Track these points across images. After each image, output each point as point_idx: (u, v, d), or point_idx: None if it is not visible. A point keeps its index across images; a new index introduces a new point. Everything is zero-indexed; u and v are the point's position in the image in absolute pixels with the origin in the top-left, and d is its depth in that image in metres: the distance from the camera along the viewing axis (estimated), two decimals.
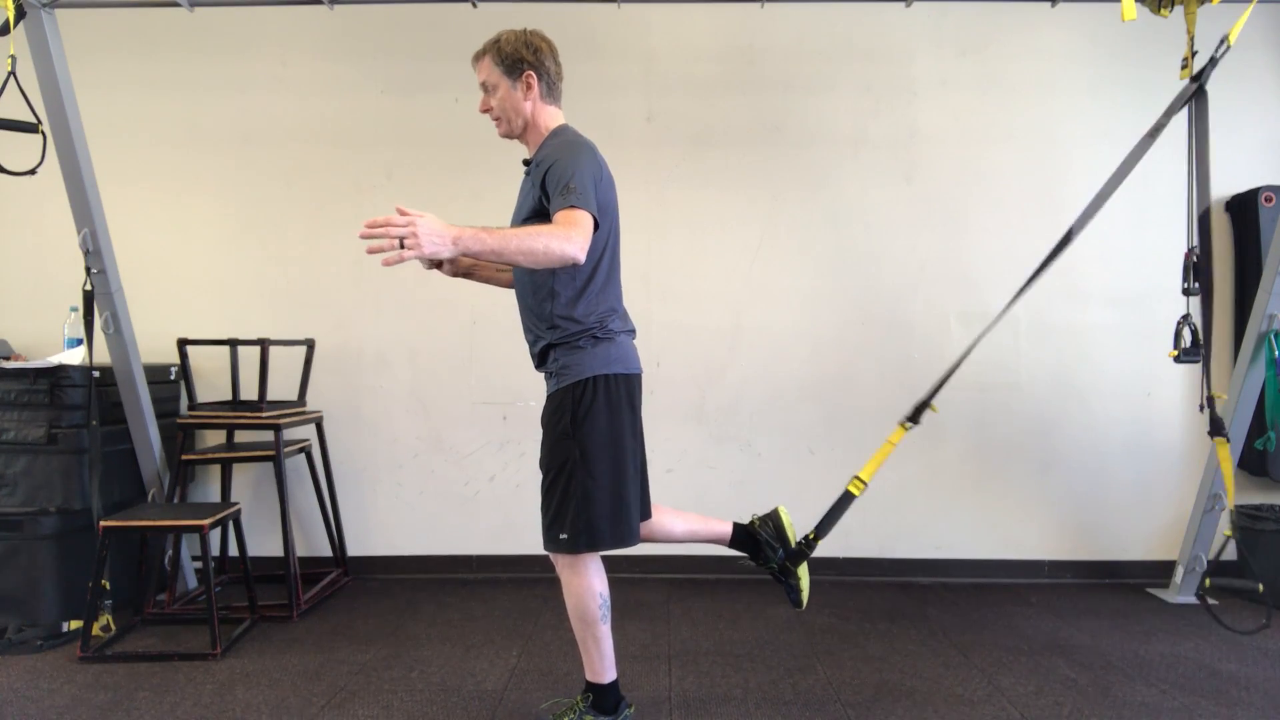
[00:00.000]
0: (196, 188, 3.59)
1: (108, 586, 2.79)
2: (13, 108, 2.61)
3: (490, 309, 3.53)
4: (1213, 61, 2.50)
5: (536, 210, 1.95)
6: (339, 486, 3.55)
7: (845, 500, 2.46)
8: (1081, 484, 3.57)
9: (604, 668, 2.06)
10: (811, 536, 2.39)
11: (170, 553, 3.14)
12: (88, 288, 2.90)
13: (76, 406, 2.91)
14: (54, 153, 2.78)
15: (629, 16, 3.54)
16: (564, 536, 1.96)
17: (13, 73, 2.62)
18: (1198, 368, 2.65)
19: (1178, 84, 2.64)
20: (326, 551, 3.55)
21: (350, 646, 2.77)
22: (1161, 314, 3.37)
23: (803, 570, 2.34)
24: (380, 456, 3.62)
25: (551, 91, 2.08)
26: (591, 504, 1.94)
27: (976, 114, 3.57)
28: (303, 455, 3.44)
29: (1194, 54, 2.57)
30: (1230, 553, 3.43)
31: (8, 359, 3.15)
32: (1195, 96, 2.56)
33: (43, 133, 2.71)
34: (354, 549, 3.61)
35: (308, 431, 3.51)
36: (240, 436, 3.46)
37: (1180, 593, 3.23)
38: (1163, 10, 2.61)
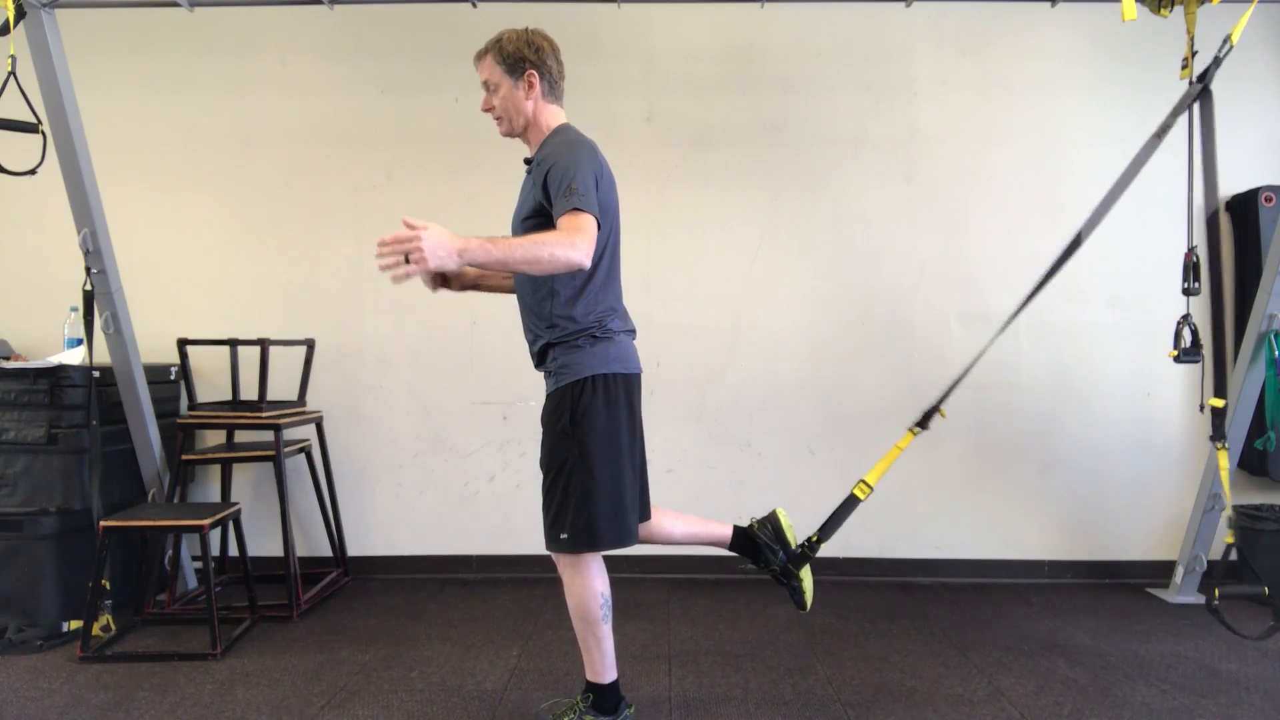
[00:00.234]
0: (196, 188, 3.59)
1: (108, 586, 2.79)
2: (13, 108, 2.60)
3: (490, 309, 3.53)
4: (1216, 62, 2.49)
5: (537, 209, 1.95)
6: (339, 486, 3.55)
7: (850, 504, 2.46)
8: (1081, 484, 3.57)
9: (604, 668, 2.06)
10: (814, 539, 2.38)
11: (170, 553, 3.14)
12: (88, 288, 2.90)
13: (76, 406, 2.91)
14: (54, 153, 2.78)
15: (629, 16, 3.54)
16: (564, 536, 1.96)
17: (13, 73, 2.62)
18: (1198, 368, 2.65)
19: (1178, 84, 2.64)
20: (326, 551, 3.55)
21: (350, 646, 2.77)
22: (1161, 314, 3.37)
23: (805, 573, 2.34)
24: (380, 456, 3.62)
25: (553, 90, 2.08)
26: (590, 504, 1.94)
27: (976, 114, 3.57)
28: (303, 455, 3.44)
29: (1194, 54, 2.57)
30: (1233, 554, 3.44)
31: (8, 359, 3.15)
32: (1200, 97, 2.55)
33: (43, 133, 2.71)
34: (354, 549, 3.61)
35: (308, 431, 3.51)
36: (240, 436, 3.46)
37: (1180, 593, 3.23)
38: (1163, 10, 2.61)
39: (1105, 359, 3.55)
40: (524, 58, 2.02)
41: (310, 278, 3.60)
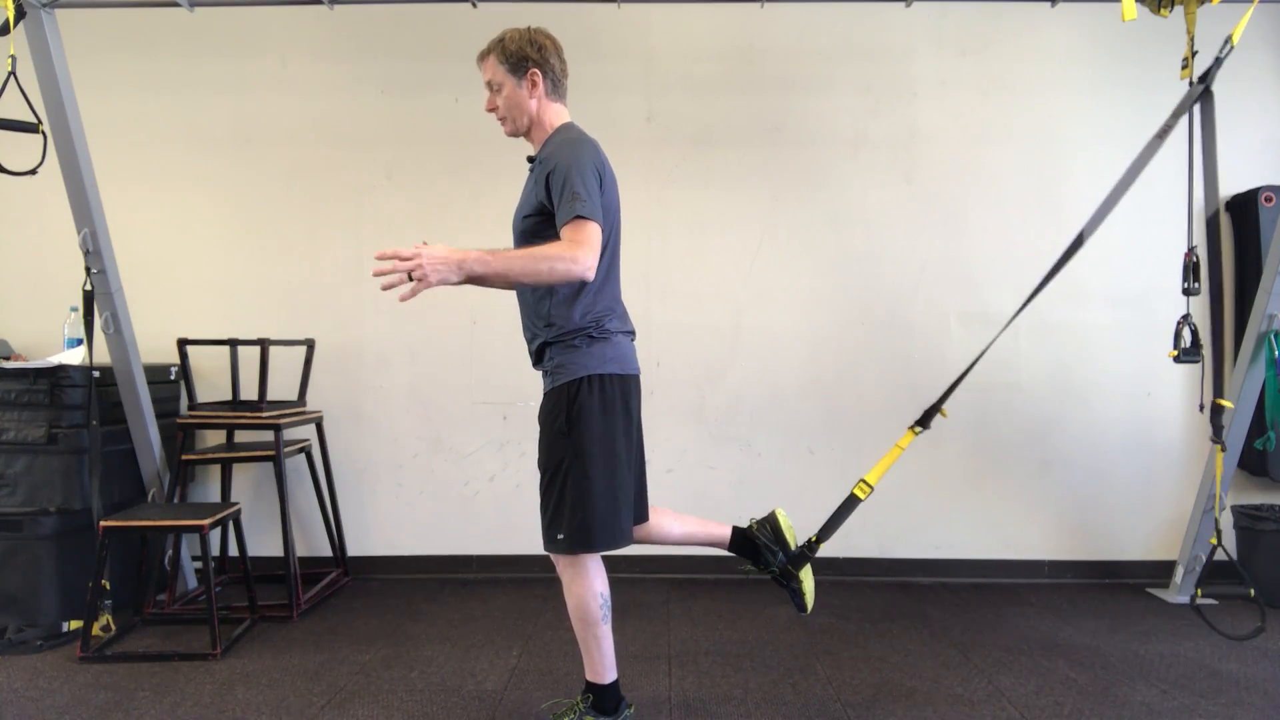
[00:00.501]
0: (196, 188, 3.59)
1: (108, 586, 2.79)
2: (13, 108, 2.60)
3: (490, 309, 3.53)
4: (1217, 62, 2.49)
5: (538, 208, 1.96)
6: (339, 486, 3.55)
7: (850, 504, 2.45)
8: (1081, 484, 3.57)
9: (604, 668, 2.06)
10: (814, 540, 2.38)
11: (170, 553, 3.14)
12: (88, 288, 2.90)
13: (76, 406, 2.91)
14: (54, 153, 2.78)
15: (629, 16, 3.54)
16: (561, 537, 1.96)
17: (13, 73, 2.62)
18: (1198, 368, 2.64)
19: (1178, 84, 2.64)
20: (326, 551, 3.55)
21: (350, 646, 2.77)
22: (1161, 314, 3.37)
23: (806, 574, 2.33)
24: (380, 456, 3.62)
25: (557, 89, 2.08)
26: (585, 504, 1.94)
27: (976, 114, 3.57)
28: (303, 455, 3.44)
29: (1194, 54, 2.57)
30: (1230, 553, 3.44)
31: (8, 359, 3.15)
32: (1201, 98, 2.55)
33: (43, 133, 2.71)
34: (354, 549, 3.61)
35: (308, 431, 3.51)
36: (240, 436, 3.46)
37: (1180, 593, 3.23)
38: (1163, 10, 2.61)
39: (1105, 359, 3.55)
40: (527, 56, 2.02)
41: (310, 278, 3.60)
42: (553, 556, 2.03)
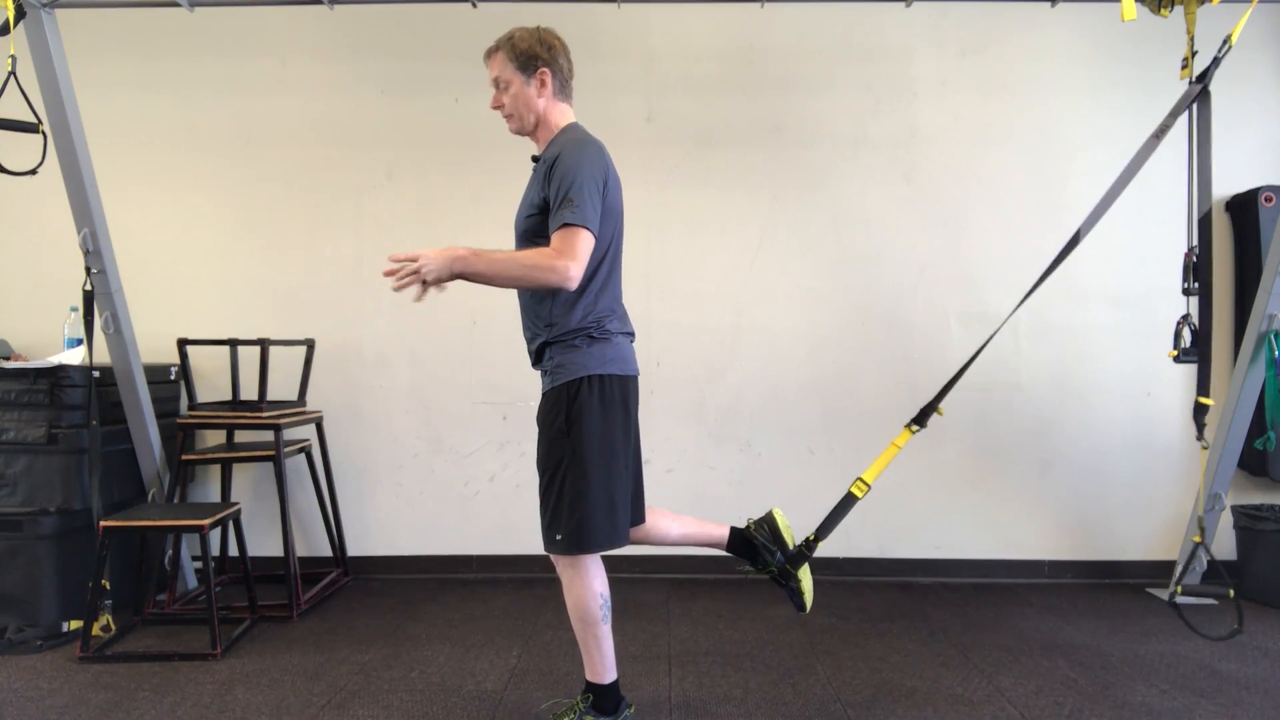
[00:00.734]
0: (196, 188, 3.59)
1: (108, 586, 2.79)
2: (13, 108, 2.61)
3: (490, 309, 3.53)
4: (1215, 62, 2.49)
5: (540, 206, 1.96)
6: (339, 486, 3.55)
7: (848, 502, 2.45)
8: (1081, 484, 3.57)
9: (604, 668, 2.06)
10: (812, 538, 2.38)
11: (170, 553, 3.14)
12: (88, 288, 2.90)
13: (76, 406, 2.91)
14: (54, 153, 2.78)
15: (629, 16, 3.54)
16: (559, 537, 1.96)
17: (13, 73, 2.62)
18: (1197, 368, 2.65)
19: (1178, 84, 2.64)
20: (326, 551, 3.55)
21: (350, 646, 2.77)
22: (1161, 314, 3.37)
23: (804, 573, 2.33)
24: (380, 456, 3.62)
25: (564, 89, 2.09)
26: (584, 505, 1.94)
27: (976, 114, 3.58)
28: (303, 455, 3.44)
29: (1194, 54, 2.57)
30: (1230, 553, 3.45)
31: (8, 359, 3.15)
32: (1198, 98, 2.55)
33: (43, 133, 2.71)
34: (354, 549, 3.61)
35: (308, 431, 3.51)
36: (240, 436, 3.46)
37: (1180, 593, 3.23)
38: (1163, 10, 2.61)
39: (1105, 359, 3.55)
40: (537, 55, 2.02)
41: (310, 278, 3.60)
42: (552, 557, 2.03)
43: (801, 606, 2.34)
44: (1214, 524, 3.17)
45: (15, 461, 2.87)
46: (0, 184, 2.91)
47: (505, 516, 3.59)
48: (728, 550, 2.34)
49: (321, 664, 2.61)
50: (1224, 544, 3.43)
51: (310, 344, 3.41)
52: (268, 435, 3.15)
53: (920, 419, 2.52)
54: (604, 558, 2.05)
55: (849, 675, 2.52)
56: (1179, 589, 2.59)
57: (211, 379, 3.52)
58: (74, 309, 3.15)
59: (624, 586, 3.36)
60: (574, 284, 1.85)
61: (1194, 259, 2.64)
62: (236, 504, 2.99)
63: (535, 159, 2.09)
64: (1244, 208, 3.48)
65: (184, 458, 3.11)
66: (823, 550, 2.41)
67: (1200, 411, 2.57)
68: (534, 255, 1.85)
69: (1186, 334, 2.70)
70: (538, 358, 2.07)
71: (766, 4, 3.11)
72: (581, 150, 1.94)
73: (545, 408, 2.02)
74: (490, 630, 2.92)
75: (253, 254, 3.59)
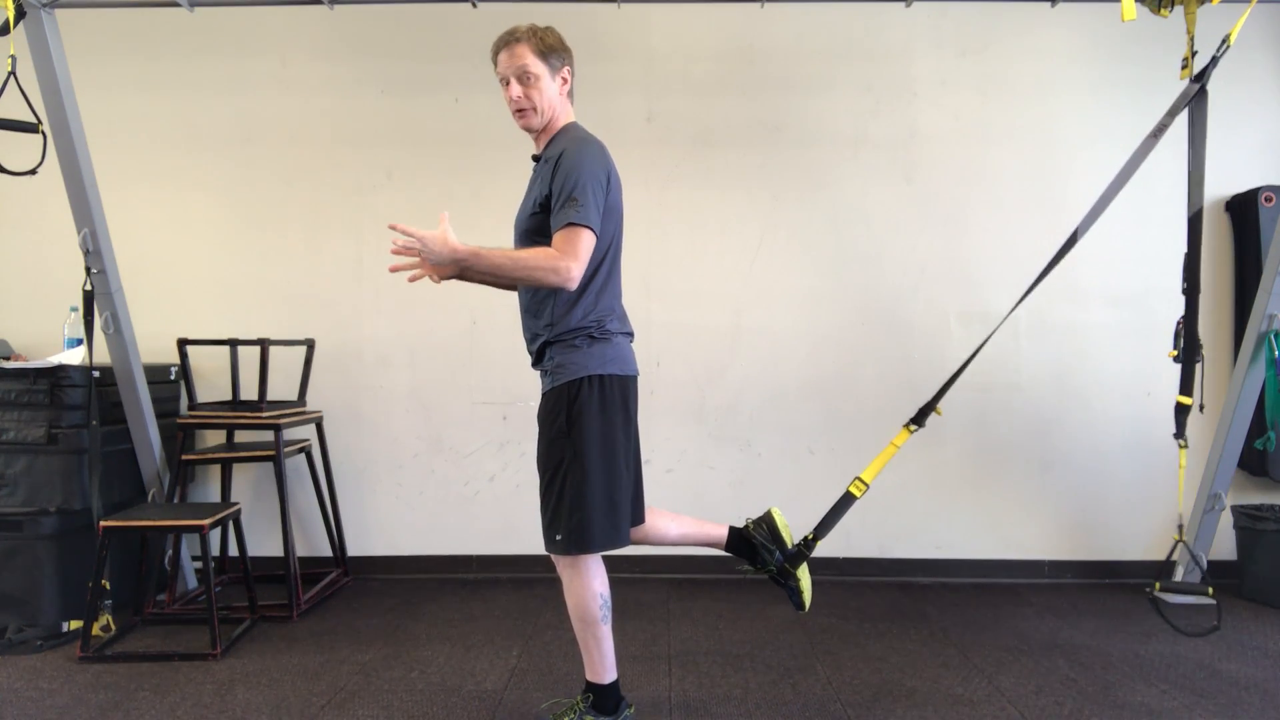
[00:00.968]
0: (196, 188, 3.59)
1: (108, 586, 2.79)
2: (13, 108, 2.61)
3: (490, 309, 3.53)
4: (1214, 61, 2.49)
5: (543, 204, 1.96)
6: (339, 486, 3.55)
7: (846, 501, 2.45)
8: (1081, 484, 3.57)
9: (604, 668, 2.06)
10: (810, 538, 2.38)
11: (170, 553, 3.14)
12: (88, 288, 2.90)
13: (76, 406, 2.91)
14: (54, 153, 2.78)
15: (629, 16, 3.54)
16: (559, 537, 1.96)
17: (13, 73, 2.62)
18: (1197, 367, 2.65)
19: (1178, 84, 2.64)
20: (326, 551, 3.55)
21: (350, 646, 2.77)
22: (1161, 314, 3.37)
23: (803, 572, 2.33)
24: (380, 456, 3.62)
25: (572, 90, 2.09)
26: (584, 505, 1.94)
27: (976, 114, 3.57)
28: (303, 455, 3.44)
29: (1194, 54, 2.57)
30: (1229, 553, 3.45)
31: (8, 359, 3.15)
32: (1196, 97, 2.55)
33: (43, 133, 2.71)
34: (354, 549, 3.61)
35: (308, 431, 3.51)
36: (240, 436, 3.46)
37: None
38: (1163, 10, 2.60)
39: (1105, 359, 3.55)
40: (562, 52, 2.02)
41: (310, 278, 3.60)
42: (553, 557, 2.03)
43: (800, 606, 2.34)
44: (1212, 524, 3.18)
45: (15, 461, 2.87)
46: (0, 184, 2.91)
47: (505, 516, 3.59)
48: (726, 550, 2.34)
49: (321, 664, 2.61)
50: (1224, 544, 3.43)
51: (310, 344, 3.41)
52: (268, 435, 3.15)
53: (919, 418, 2.52)
54: (604, 558, 2.05)
55: (849, 675, 2.52)
56: (1158, 585, 2.60)
57: (211, 379, 3.52)
58: (74, 309, 3.15)
59: (624, 586, 3.36)
60: (576, 284, 1.85)
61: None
62: (236, 504, 2.99)
63: (536, 158, 2.09)
64: (1244, 208, 3.48)
65: (184, 458, 3.11)
66: (823, 550, 2.41)
67: (1181, 410, 2.58)
68: (536, 256, 1.85)
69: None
70: (538, 358, 2.07)
71: (766, 4, 3.11)
72: (584, 149, 1.94)
73: (545, 408, 2.02)
74: (490, 630, 2.92)
75: (253, 254, 3.59)
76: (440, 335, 3.61)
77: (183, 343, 3.15)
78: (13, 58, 2.63)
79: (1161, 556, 3.51)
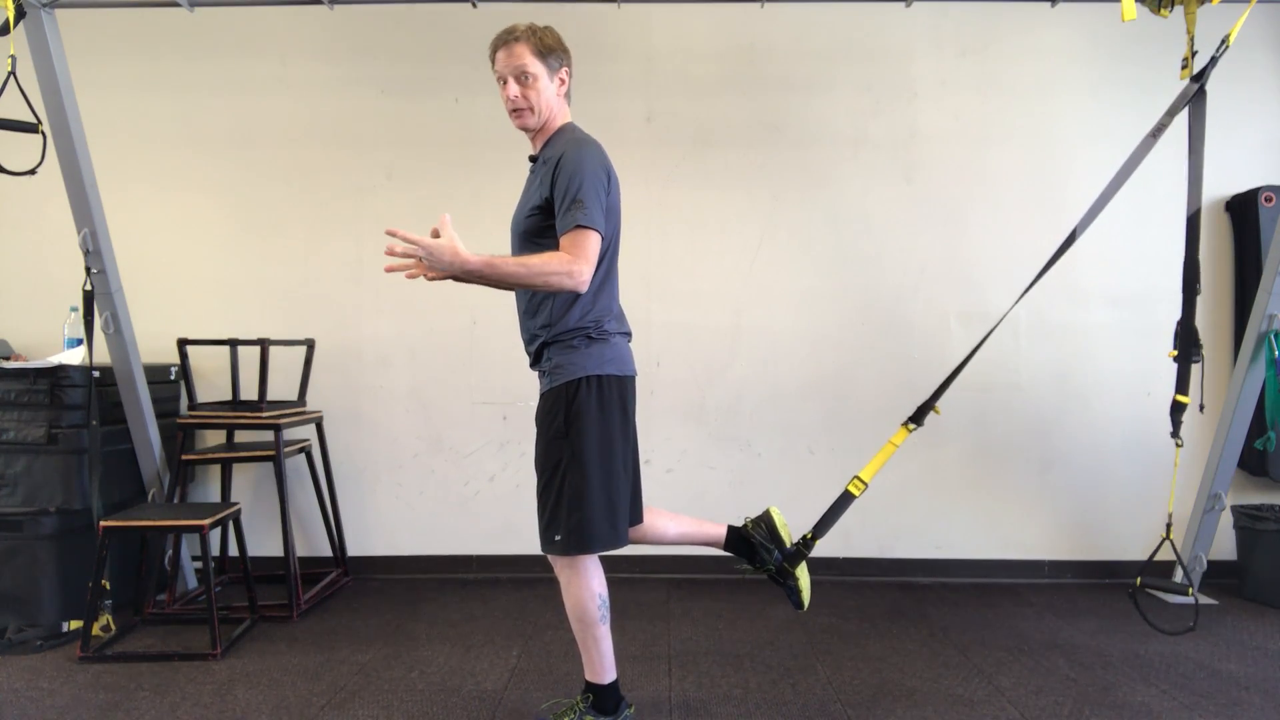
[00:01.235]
0: (196, 188, 3.59)
1: (108, 586, 2.79)
2: (13, 108, 2.61)
3: (490, 309, 3.53)
4: (1213, 61, 2.49)
5: (541, 206, 1.95)
6: (339, 486, 3.55)
7: (845, 500, 2.45)
8: (1081, 484, 3.57)
9: (604, 668, 2.06)
10: (809, 537, 2.38)
11: (170, 553, 3.14)
12: (88, 288, 2.90)
13: (76, 406, 2.91)
14: (54, 153, 2.78)
15: (629, 16, 3.54)
16: (558, 538, 1.95)
17: (13, 73, 2.62)
18: (1197, 368, 2.65)
19: (1178, 84, 2.64)
20: (326, 551, 3.55)
21: (350, 646, 2.77)
22: (1161, 314, 3.37)
23: (801, 571, 2.34)
24: (380, 456, 3.62)
25: (569, 90, 2.09)
26: (583, 505, 1.94)
27: (976, 114, 3.57)
28: (303, 455, 3.44)
29: (1194, 54, 2.57)
30: (1229, 553, 3.45)
31: (8, 359, 3.15)
32: (1195, 97, 2.56)
33: (43, 133, 2.71)
34: (354, 549, 3.61)
35: (308, 431, 3.51)
36: (240, 436, 3.46)
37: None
38: (1163, 10, 2.61)
39: (1105, 359, 3.55)
40: (561, 52, 2.02)
41: (310, 278, 3.60)
42: (550, 558, 2.03)
43: (799, 605, 2.34)
44: (1212, 524, 3.17)
45: (15, 461, 2.87)
46: (0, 184, 2.91)
47: (505, 516, 3.59)
48: (725, 549, 2.34)
49: (321, 664, 2.61)
50: (1224, 544, 3.43)
51: (310, 344, 3.41)
52: (268, 435, 3.15)
53: (917, 417, 2.52)
54: (603, 558, 2.05)
55: (849, 675, 2.52)
56: (1139, 580, 2.61)
57: (211, 379, 3.52)
58: (74, 309, 3.16)
59: (624, 586, 3.36)
60: (586, 285, 1.85)
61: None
62: (236, 504, 2.99)
63: (532, 159, 2.09)
64: (1244, 208, 3.48)
65: (184, 458, 3.11)
66: (823, 550, 2.41)
67: (1177, 409, 2.58)
68: (548, 262, 1.82)
69: None
70: (536, 358, 2.07)
71: (766, 4, 3.11)
72: (583, 150, 1.93)
73: (544, 408, 2.02)
74: (490, 630, 2.92)
75: (253, 254, 3.59)
76: (440, 335, 3.61)
77: (183, 343, 3.15)
78: (13, 58, 2.63)
79: (1161, 556, 3.50)
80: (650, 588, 3.42)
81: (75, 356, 3.06)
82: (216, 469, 3.51)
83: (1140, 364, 3.51)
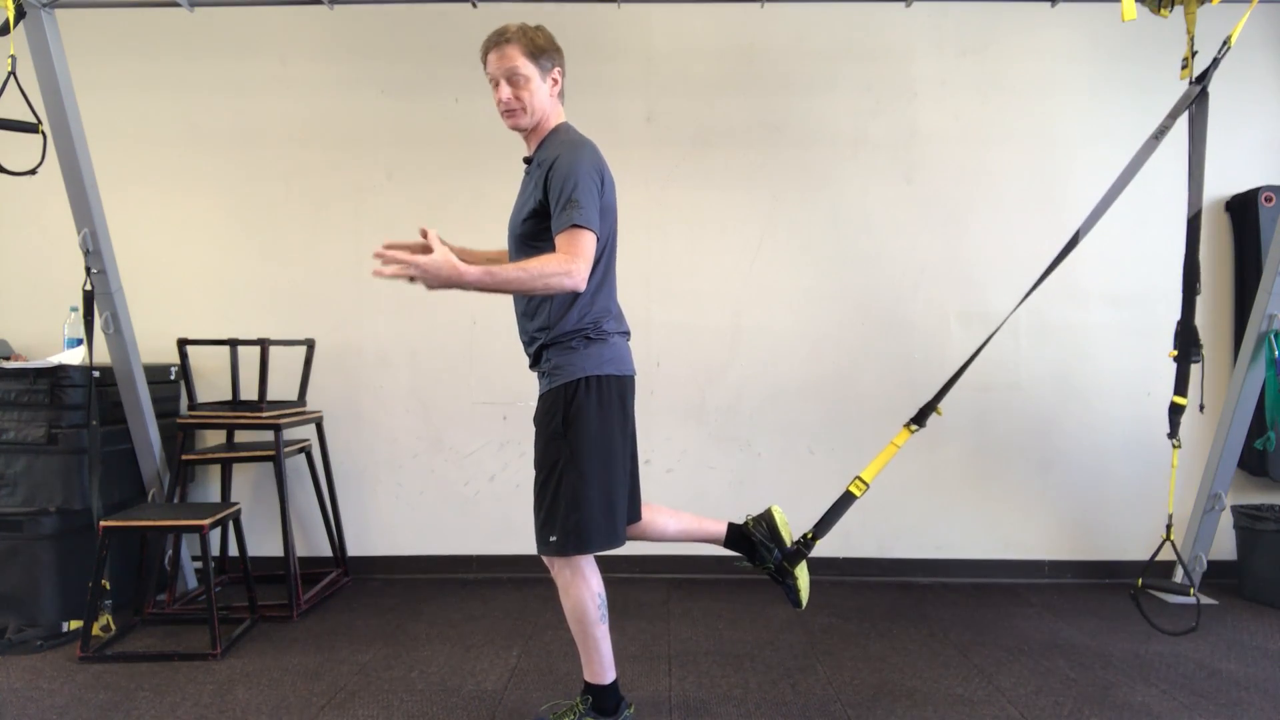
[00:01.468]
0: (196, 188, 3.59)
1: (108, 586, 2.79)
2: (13, 108, 2.61)
3: (490, 309, 3.53)
4: (1214, 63, 2.49)
5: (537, 209, 1.95)
6: (339, 486, 3.55)
7: (846, 500, 2.45)
8: (1081, 484, 3.57)
9: (603, 668, 2.06)
10: (809, 536, 2.38)
11: (170, 553, 3.14)
12: (88, 288, 2.90)
13: (76, 406, 2.91)
14: (54, 153, 2.78)
15: (629, 16, 3.54)
16: (554, 539, 1.95)
17: (13, 73, 2.62)
18: (1197, 368, 2.65)
19: (1178, 84, 2.64)
20: (326, 551, 3.55)
21: (350, 646, 2.77)
22: (1161, 314, 3.37)
23: (801, 570, 2.33)
24: (380, 456, 3.62)
25: (562, 91, 2.09)
26: (582, 505, 1.94)
27: (976, 114, 3.57)
28: (303, 455, 3.43)
29: (1194, 54, 2.57)
30: (1229, 553, 3.45)
31: (8, 359, 3.15)
32: (1197, 99, 2.55)
33: (43, 133, 2.71)
34: (354, 549, 3.61)
35: (308, 431, 3.51)
36: (240, 436, 3.46)
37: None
38: (1163, 10, 2.61)
39: (1105, 359, 3.55)
40: (555, 52, 2.01)
41: (310, 278, 3.60)
42: (546, 559, 2.03)
43: (797, 603, 2.34)
44: (1212, 524, 3.17)
45: (15, 461, 2.87)
46: (0, 184, 2.91)
47: (505, 516, 3.59)
48: (725, 546, 2.35)
49: (321, 664, 2.61)
50: (1224, 544, 3.43)
51: (310, 344, 3.41)
52: (268, 435, 3.15)
53: (919, 418, 2.52)
54: (604, 557, 2.05)
55: (849, 675, 2.52)
56: (1140, 581, 2.61)
57: (211, 379, 3.52)
58: (74, 309, 3.16)
59: (624, 586, 3.36)
60: (584, 284, 1.85)
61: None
62: (236, 504, 2.99)
63: (527, 160, 2.09)
64: (1244, 208, 3.48)
65: (184, 458, 3.11)
66: (822, 550, 2.41)
67: (1175, 410, 2.58)
68: (546, 264, 1.81)
69: None
70: (535, 360, 2.07)
71: (766, 4, 3.10)
72: (577, 152, 1.93)
73: (542, 409, 2.02)
74: (490, 630, 2.92)
75: (253, 254, 3.59)
76: (440, 335, 3.61)
77: (183, 343, 3.15)
78: (13, 58, 2.63)
79: (1162, 556, 3.50)
80: (650, 588, 3.42)
81: (75, 356, 3.06)
82: (216, 469, 3.51)
83: (1140, 364, 3.51)
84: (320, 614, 3.10)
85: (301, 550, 3.56)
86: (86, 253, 2.90)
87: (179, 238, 3.58)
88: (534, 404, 2.06)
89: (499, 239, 2.18)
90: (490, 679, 2.50)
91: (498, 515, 3.60)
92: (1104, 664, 2.61)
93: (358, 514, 3.62)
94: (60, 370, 2.91)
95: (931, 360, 3.49)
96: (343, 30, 3.58)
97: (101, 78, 3.49)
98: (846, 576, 3.56)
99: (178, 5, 2.87)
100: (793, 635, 2.87)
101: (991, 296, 3.52)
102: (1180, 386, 2.59)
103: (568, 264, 1.81)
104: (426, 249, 1.76)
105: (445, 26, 3.56)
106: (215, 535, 3.35)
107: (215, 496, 3.53)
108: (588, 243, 1.85)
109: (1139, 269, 3.52)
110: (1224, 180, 3.50)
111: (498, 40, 1.98)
